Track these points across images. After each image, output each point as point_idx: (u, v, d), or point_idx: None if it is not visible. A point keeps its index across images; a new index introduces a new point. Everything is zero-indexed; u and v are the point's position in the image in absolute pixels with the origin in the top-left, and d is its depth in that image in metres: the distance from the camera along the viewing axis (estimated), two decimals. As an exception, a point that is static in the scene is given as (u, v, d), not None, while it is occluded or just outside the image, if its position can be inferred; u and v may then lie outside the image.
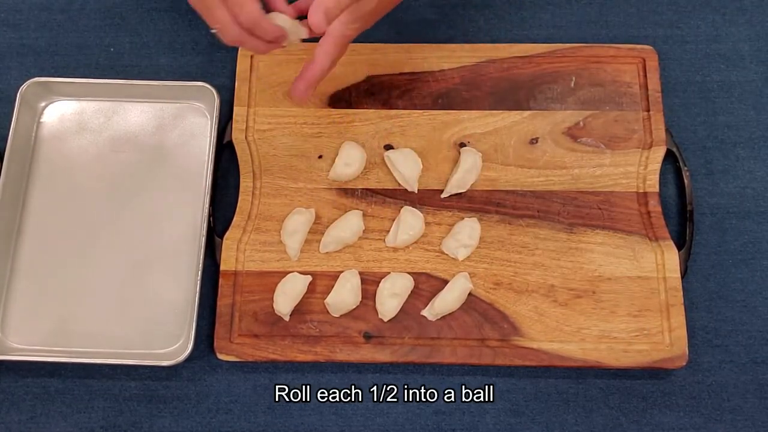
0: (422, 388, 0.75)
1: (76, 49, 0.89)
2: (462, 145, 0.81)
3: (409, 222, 0.77)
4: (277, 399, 0.75)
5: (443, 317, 0.75)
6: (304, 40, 0.68)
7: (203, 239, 0.77)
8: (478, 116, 0.82)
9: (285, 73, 0.84)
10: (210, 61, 0.88)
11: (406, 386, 0.75)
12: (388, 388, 0.75)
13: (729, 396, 0.75)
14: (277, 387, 0.75)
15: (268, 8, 0.66)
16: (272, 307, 0.75)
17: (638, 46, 0.85)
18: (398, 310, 0.75)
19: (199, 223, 0.78)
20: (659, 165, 0.80)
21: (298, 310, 0.75)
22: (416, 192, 0.79)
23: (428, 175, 0.80)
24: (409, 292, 0.75)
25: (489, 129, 0.82)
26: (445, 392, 0.75)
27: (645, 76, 0.84)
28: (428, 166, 0.81)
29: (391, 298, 0.74)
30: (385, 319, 0.75)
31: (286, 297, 0.74)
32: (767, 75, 0.86)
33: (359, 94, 0.84)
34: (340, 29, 0.68)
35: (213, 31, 0.64)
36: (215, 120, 0.82)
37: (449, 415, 0.74)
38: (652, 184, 0.79)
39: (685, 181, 0.80)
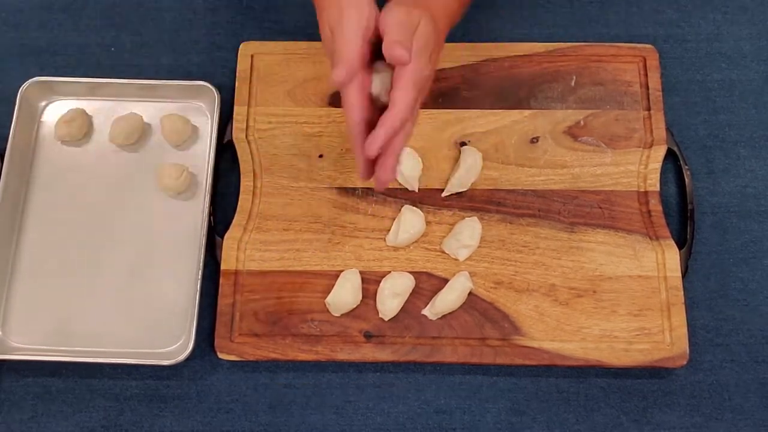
0: (423, 387, 0.75)
1: (77, 48, 0.89)
2: (462, 144, 0.81)
3: (410, 221, 0.77)
4: (277, 398, 0.75)
5: (444, 316, 0.75)
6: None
7: (204, 239, 0.77)
8: (479, 115, 0.82)
9: (285, 72, 0.84)
10: (210, 61, 0.88)
11: (406, 385, 0.75)
12: (388, 388, 0.75)
13: (730, 395, 0.75)
14: (277, 386, 0.75)
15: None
16: (273, 306, 0.75)
17: (639, 45, 0.85)
18: (399, 309, 0.75)
19: (199, 222, 0.78)
20: (660, 164, 0.80)
21: (299, 310, 0.75)
22: (417, 191, 0.79)
23: (429, 174, 0.80)
24: (410, 291, 0.75)
25: (489, 128, 0.82)
26: (446, 391, 0.75)
27: (646, 75, 0.83)
28: (429, 165, 0.81)
29: (391, 297, 0.74)
30: (386, 319, 0.75)
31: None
32: (768, 74, 0.86)
33: (360, 94, 0.83)
34: (415, 65, 0.61)
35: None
36: (216, 119, 0.82)
37: (450, 415, 0.74)
38: (653, 183, 0.79)
39: (686, 180, 0.80)
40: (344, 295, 0.74)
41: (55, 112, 0.84)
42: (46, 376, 0.76)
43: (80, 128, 0.82)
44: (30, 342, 0.76)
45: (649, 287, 0.76)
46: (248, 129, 0.82)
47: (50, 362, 0.76)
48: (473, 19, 0.88)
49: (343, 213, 0.79)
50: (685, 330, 0.74)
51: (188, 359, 0.73)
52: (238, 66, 0.84)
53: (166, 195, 0.81)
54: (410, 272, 0.76)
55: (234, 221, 0.79)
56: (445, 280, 0.76)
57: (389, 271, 0.76)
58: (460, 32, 0.88)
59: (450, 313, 0.75)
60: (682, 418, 0.74)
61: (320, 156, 0.81)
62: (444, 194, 0.79)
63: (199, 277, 0.75)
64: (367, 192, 0.80)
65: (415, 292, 0.76)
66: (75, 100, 0.85)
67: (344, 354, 0.74)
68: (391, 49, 0.59)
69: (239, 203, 0.79)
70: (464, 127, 0.82)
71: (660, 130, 0.81)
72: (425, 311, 0.75)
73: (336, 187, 0.80)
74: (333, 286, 0.75)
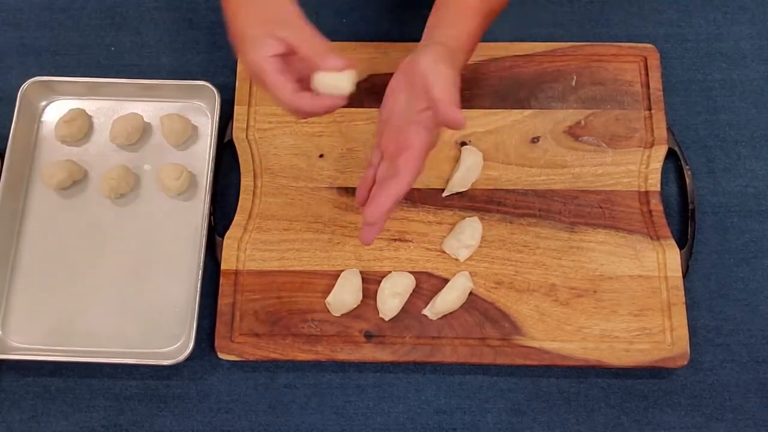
0: (423, 387, 0.75)
1: (77, 48, 0.89)
2: (463, 143, 0.81)
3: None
4: (277, 398, 0.75)
5: (444, 316, 0.75)
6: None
7: (204, 239, 0.77)
8: (480, 115, 0.82)
9: (286, 72, 0.84)
10: (211, 60, 0.88)
11: (407, 385, 0.75)
12: (389, 388, 0.75)
13: (730, 395, 0.75)
14: (277, 386, 0.75)
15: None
16: (273, 306, 0.75)
17: (640, 45, 0.85)
18: (399, 309, 0.75)
19: (199, 222, 0.78)
20: (661, 164, 0.80)
21: (299, 309, 0.75)
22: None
23: (429, 174, 0.80)
24: (410, 291, 0.75)
25: (490, 128, 0.82)
26: (446, 392, 0.75)
27: (646, 74, 0.83)
28: (429, 165, 0.80)
29: (392, 297, 0.74)
30: (386, 319, 0.75)
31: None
32: (769, 73, 0.86)
33: (361, 93, 0.82)
34: (426, 137, 0.61)
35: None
36: (216, 119, 0.82)
37: (450, 415, 0.74)
38: (654, 182, 0.79)
39: (687, 179, 0.80)
40: (344, 295, 0.74)
41: (55, 112, 0.84)
42: (46, 375, 0.76)
43: (80, 128, 0.82)
44: (30, 342, 0.76)
45: (650, 287, 0.76)
46: (248, 129, 0.82)
47: (50, 362, 0.76)
48: (473, 19, 0.88)
49: (344, 213, 0.79)
50: (685, 330, 0.74)
51: (188, 359, 0.73)
52: (238, 66, 0.84)
53: (166, 195, 0.81)
54: (410, 272, 0.76)
55: (234, 221, 0.79)
56: (446, 280, 0.76)
57: (389, 271, 0.76)
58: (460, 32, 0.88)
59: (450, 313, 0.75)
60: (682, 418, 0.74)
61: (320, 156, 0.81)
62: (444, 194, 0.79)
63: (199, 277, 0.75)
64: (368, 192, 0.80)
65: (415, 292, 0.76)
66: (75, 100, 0.85)
67: (344, 354, 0.74)
68: (450, 114, 0.58)
69: (239, 203, 0.79)
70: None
71: (661, 130, 0.81)
72: (425, 311, 0.75)
73: (336, 187, 0.80)
74: (333, 286, 0.75)
